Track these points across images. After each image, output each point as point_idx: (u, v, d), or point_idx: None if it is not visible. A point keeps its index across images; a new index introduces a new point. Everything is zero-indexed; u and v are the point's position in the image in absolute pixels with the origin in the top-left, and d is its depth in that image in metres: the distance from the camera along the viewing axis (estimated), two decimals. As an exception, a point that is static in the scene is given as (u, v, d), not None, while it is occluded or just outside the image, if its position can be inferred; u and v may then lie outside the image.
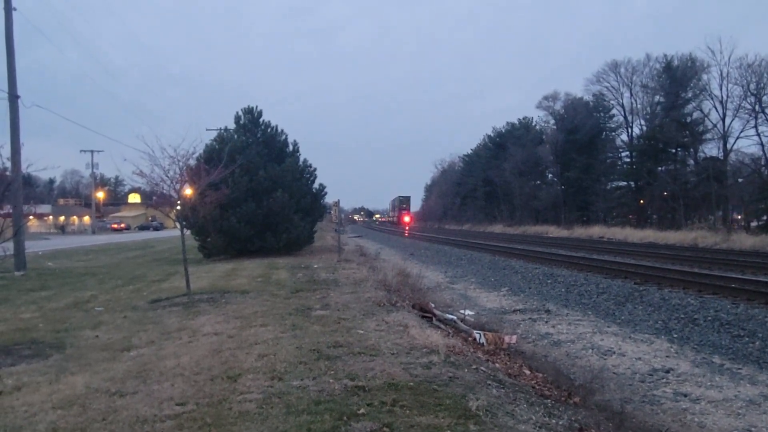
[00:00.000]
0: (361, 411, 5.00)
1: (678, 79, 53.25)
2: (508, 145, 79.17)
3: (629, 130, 62.86)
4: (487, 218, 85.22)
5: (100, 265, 24.95)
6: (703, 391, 7.77)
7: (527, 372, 8.15)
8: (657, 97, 57.55)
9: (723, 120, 48.73)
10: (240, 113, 28.48)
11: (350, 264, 21.50)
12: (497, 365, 7.98)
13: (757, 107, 46.09)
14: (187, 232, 18.26)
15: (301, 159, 29.77)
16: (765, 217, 44.23)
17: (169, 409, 5.29)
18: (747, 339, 10.28)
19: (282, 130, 29.07)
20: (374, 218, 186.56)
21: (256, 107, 28.64)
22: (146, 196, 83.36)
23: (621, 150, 65.45)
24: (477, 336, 9.58)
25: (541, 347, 10.59)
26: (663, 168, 56.70)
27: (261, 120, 28.60)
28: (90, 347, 8.30)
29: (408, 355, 7.12)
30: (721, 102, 48.66)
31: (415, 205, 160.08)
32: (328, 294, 12.92)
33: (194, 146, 15.08)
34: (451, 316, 11.44)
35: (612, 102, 64.46)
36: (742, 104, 47.21)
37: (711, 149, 52.45)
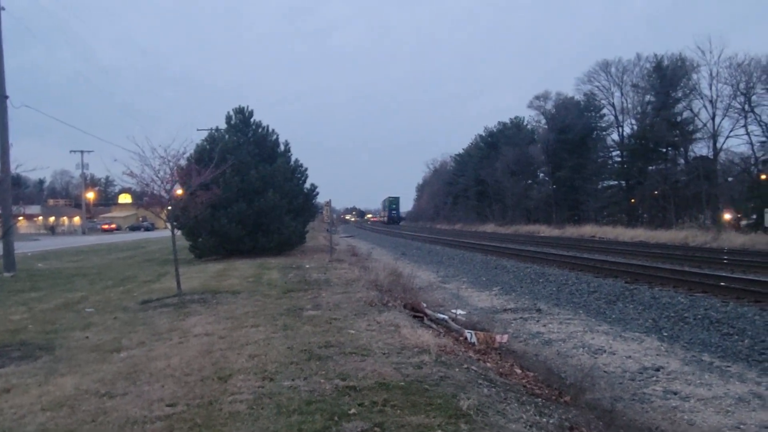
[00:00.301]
0: (352, 411, 5.00)
1: (668, 78, 53.53)
2: (500, 144, 79.38)
3: (620, 130, 63.14)
4: (479, 218, 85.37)
5: (90, 265, 24.82)
6: (693, 389, 7.83)
7: (518, 371, 8.17)
8: (647, 97, 57.82)
9: (713, 119, 49.15)
10: (231, 113, 28.42)
11: (342, 264, 21.50)
12: (488, 364, 8.00)
13: (746, 107, 46.49)
14: (178, 233, 18.20)
15: (293, 159, 29.79)
16: (755, 216, 44.57)
17: (160, 411, 5.27)
18: (736, 337, 10.36)
19: (273, 130, 29.06)
20: (366, 218, 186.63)
21: (247, 107, 28.61)
22: (137, 197, 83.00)
23: (612, 149, 65.76)
24: (468, 335, 9.60)
25: (532, 346, 10.63)
26: (653, 167, 57.02)
27: (252, 120, 28.56)
28: (80, 348, 8.26)
29: (399, 354, 7.12)
30: (710, 101, 49.07)
31: (408, 205, 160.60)
32: (320, 294, 12.92)
33: (185, 146, 15.05)
34: (442, 316, 11.46)
35: (603, 101, 64.76)
36: (732, 104, 47.67)
37: (701, 149, 52.88)
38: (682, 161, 55.89)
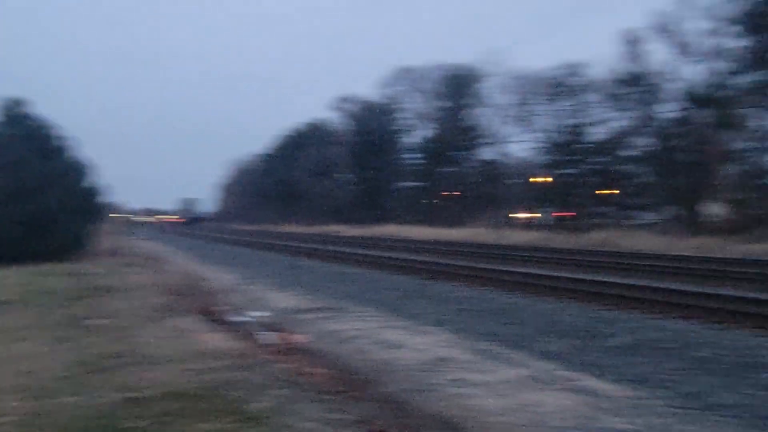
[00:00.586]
0: (137, 424, 4.77)
1: (459, 86, 58.67)
2: (305, 145, 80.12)
3: (417, 134, 67.53)
4: (284, 218, 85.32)
5: None
6: (480, 377, 8.54)
7: (316, 370, 8.34)
8: (441, 103, 62.56)
9: (497, 126, 55.20)
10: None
11: (135, 268, 20.22)
12: (286, 365, 8.07)
13: (524, 116, 52.80)
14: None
15: (78, 156, 27.34)
16: (539, 215, 50.79)
17: None
18: (517, 326, 11.55)
19: (54, 124, 26.42)
20: (165, 219, 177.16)
21: (22, 98, 25.69)
22: None
23: (410, 152, 69.89)
24: (266, 337, 9.60)
25: (331, 344, 10.88)
26: (448, 169, 61.80)
27: (28, 113, 25.68)
28: None
29: (193, 361, 6.91)
30: (496, 109, 55.02)
31: (211, 205, 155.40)
32: (108, 301, 12.05)
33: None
34: (241, 319, 11.30)
35: (401, 106, 68.64)
36: (514, 113, 53.74)
37: (488, 153, 58.86)
38: (472, 165, 61.30)
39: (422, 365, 9.29)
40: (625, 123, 44.96)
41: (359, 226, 61.12)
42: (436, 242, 38.28)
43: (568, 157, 49.07)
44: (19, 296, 13.09)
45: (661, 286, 14.61)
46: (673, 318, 11.32)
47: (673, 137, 40.11)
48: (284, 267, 24.97)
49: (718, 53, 35.63)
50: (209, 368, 6.57)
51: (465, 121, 58.50)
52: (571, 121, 49.86)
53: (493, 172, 54.72)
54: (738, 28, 34.19)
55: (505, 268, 19.93)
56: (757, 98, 33.60)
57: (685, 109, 39.23)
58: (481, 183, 55.72)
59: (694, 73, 37.70)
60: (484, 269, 19.67)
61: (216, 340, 8.00)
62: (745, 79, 34.54)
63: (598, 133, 47.87)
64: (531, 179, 52.25)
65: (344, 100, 76.33)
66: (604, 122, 46.90)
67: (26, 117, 25.59)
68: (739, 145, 36.72)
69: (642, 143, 44.19)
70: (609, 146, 46.51)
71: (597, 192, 46.84)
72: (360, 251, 31.07)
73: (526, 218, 53.41)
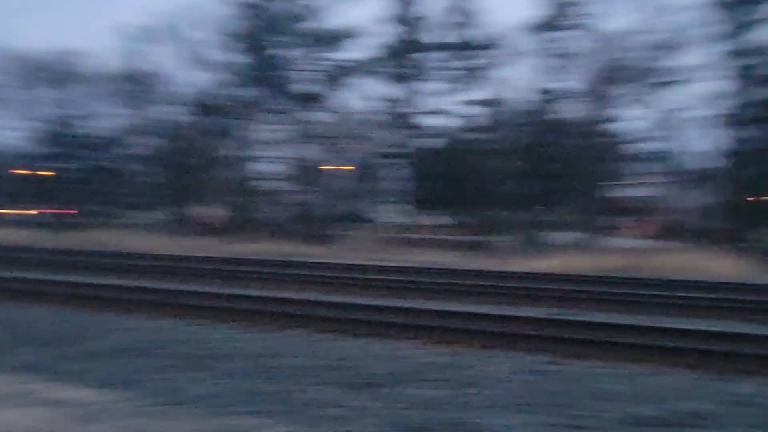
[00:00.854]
0: None
1: None
2: None
3: None
4: None
5: None
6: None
7: None
8: None
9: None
10: None
11: None
12: None
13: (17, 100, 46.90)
14: None
15: None
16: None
17: None
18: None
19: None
20: None
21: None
22: None
23: None
24: None
25: None
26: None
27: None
28: None
29: None
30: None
31: None
32: None
33: None
34: None
35: None
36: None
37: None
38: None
39: None
40: (127, 120, 44.58)
41: None
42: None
43: (65, 150, 45.76)
44: None
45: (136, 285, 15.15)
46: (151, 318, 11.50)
47: (174, 139, 41.73)
48: None
49: (225, 66, 37.93)
50: None
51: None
52: (71, 112, 46.58)
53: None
54: (242, 45, 37.44)
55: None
56: (251, 111, 37.57)
57: (187, 113, 41.20)
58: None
59: (200, 80, 39.37)
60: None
61: None
62: (246, 93, 38.14)
63: (101, 128, 46.07)
64: (14, 171, 47.13)
65: None
66: (108, 117, 45.48)
67: None
68: (233, 152, 40.52)
69: (144, 143, 44.55)
70: (111, 142, 45.48)
71: (97, 189, 45.09)
72: None
73: (17, 215, 47.95)
